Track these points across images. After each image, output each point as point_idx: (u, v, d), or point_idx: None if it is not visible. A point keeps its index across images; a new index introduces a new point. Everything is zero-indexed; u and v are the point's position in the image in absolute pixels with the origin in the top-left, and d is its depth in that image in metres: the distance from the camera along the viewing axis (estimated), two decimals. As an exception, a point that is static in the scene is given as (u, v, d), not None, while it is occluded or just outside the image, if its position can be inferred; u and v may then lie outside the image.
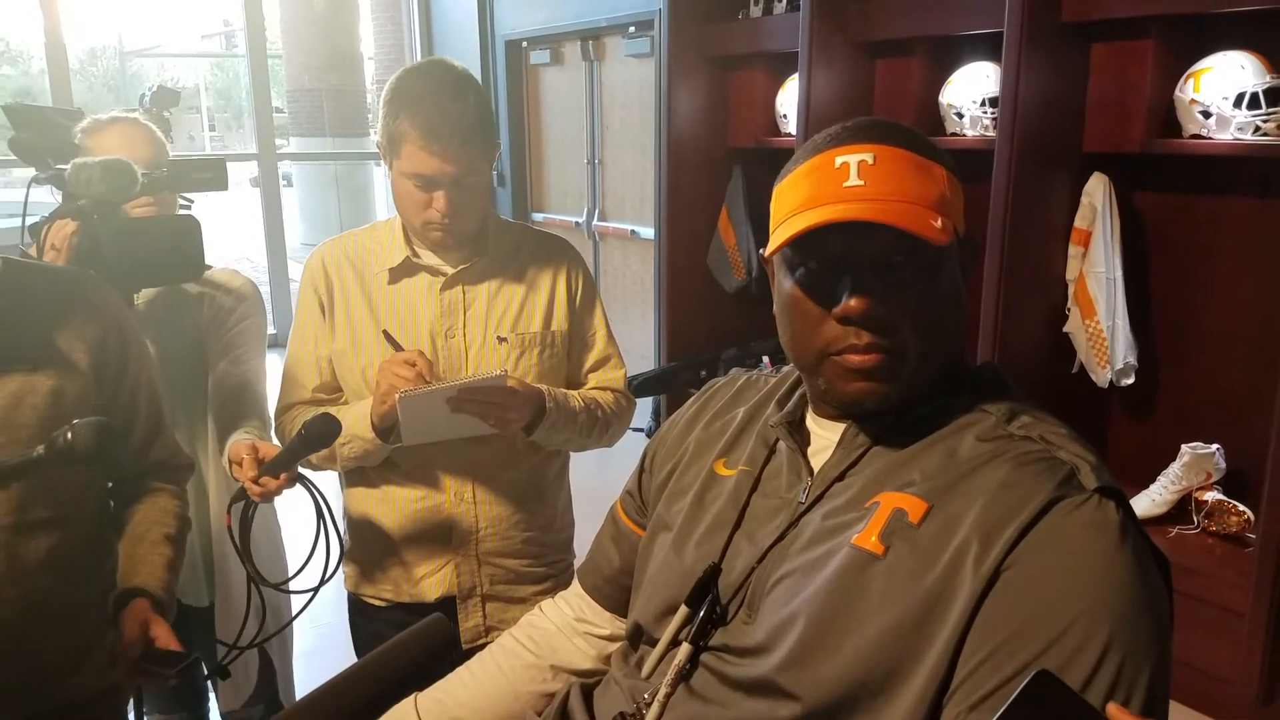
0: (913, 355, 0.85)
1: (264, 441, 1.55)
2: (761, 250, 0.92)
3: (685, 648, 0.92)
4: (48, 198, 1.67)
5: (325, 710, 1.08)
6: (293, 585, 1.60)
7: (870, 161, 0.84)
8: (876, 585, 0.80)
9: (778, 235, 0.86)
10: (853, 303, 0.83)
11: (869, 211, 0.81)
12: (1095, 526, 0.77)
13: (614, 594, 1.14)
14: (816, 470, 0.93)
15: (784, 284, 0.90)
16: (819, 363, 0.88)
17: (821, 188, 0.85)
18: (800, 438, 0.96)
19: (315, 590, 1.54)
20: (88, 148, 1.69)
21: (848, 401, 0.89)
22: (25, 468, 1.15)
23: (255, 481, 1.45)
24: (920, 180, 0.84)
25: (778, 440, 0.98)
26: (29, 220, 1.61)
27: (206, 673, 1.96)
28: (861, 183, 0.83)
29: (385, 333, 1.56)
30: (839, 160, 0.85)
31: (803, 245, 0.86)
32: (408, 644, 1.12)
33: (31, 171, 1.69)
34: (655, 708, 0.92)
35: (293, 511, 1.76)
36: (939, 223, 0.82)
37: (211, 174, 1.64)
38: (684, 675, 0.92)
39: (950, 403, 0.89)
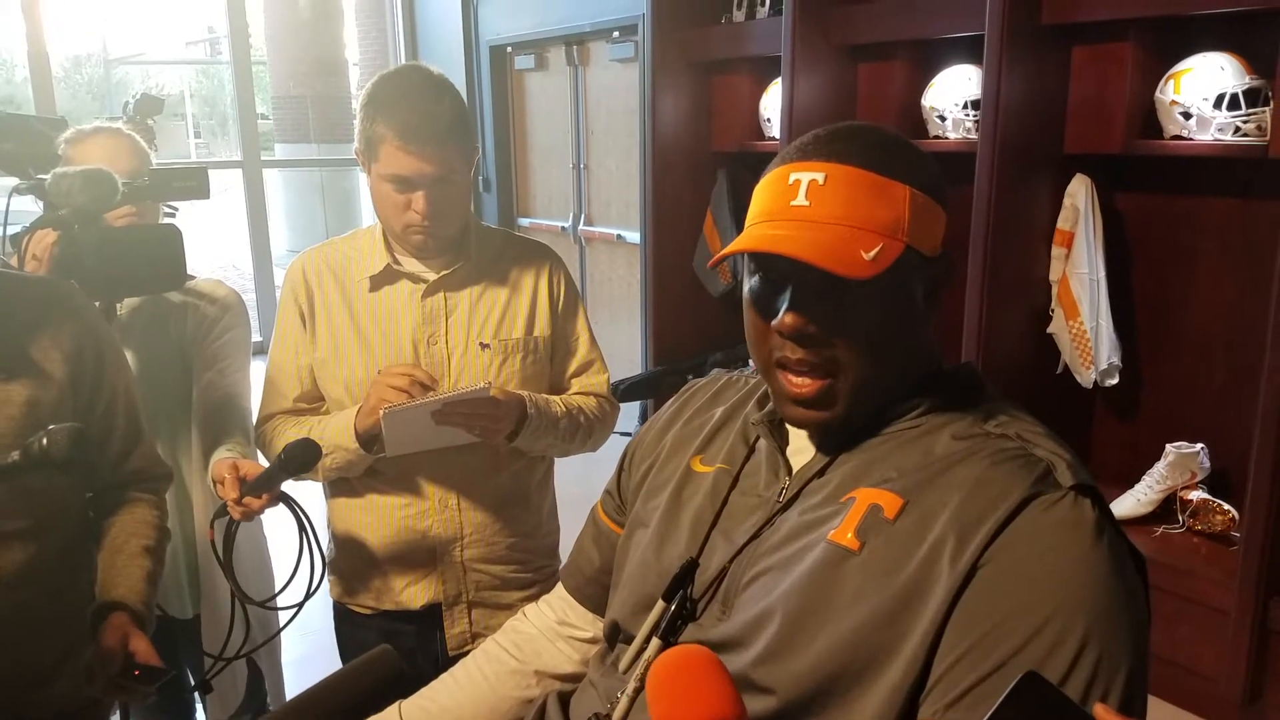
0: (850, 376, 0.86)
1: (245, 460, 1.55)
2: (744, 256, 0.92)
3: (655, 642, 0.92)
4: (30, 207, 1.66)
5: None
6: (278, 601, 1.60)
7: (820, 181, 0.84)
8: (852, 580, 0.81)
9: (724, 249, 0.88)
10: (786, 319, 0.84)
11: (787, 243, 0.82)
12: (1071, 524, 0.77)
13: (596, 594, 1.14)
14: (795, 470, 0.93)
15: (744, 292, 0.92)
16: (766, 371, 0.91)
17: (772, 203, 0.86)
18: (780, 436, 0.96)
19: (299, 607, 1.54)
20: (70, 158, 1.69)
21: (790, 422, 0.92)
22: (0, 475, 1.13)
23: (238, 502, 1.45)
24: (870, 203, 0.83)
25: (758, 438, 0.98)
26: (10, 230, 1.60)
27: (193, 685, 1.95)
28: (807, 203, 0.84)
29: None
30: (792, 177, 0.86)
31: (755, 256, 0.88)
32: (353, 676, 1.11)
33: (12, 181, 1.68)
34: (624, 702, 0.92)
35: (278, 524, 1.76)
36: (873, 252, 0.81)
37: (193, 183, 1.63)
38: None
39: (927, 401, 0.90)
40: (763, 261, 0.88)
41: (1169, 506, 2.75)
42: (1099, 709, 0.64)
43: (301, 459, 1.43)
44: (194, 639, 1.86)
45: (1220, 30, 2.55)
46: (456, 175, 1.51)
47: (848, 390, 0.86)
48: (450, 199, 1.52)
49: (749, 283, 0.90)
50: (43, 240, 1.51)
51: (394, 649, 1.10)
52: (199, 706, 2.10)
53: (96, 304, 1.48)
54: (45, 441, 1.10)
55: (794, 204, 0.84)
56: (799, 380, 0.86)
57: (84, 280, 1.47)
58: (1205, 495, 2.69)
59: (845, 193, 0.83)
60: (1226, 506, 2.65)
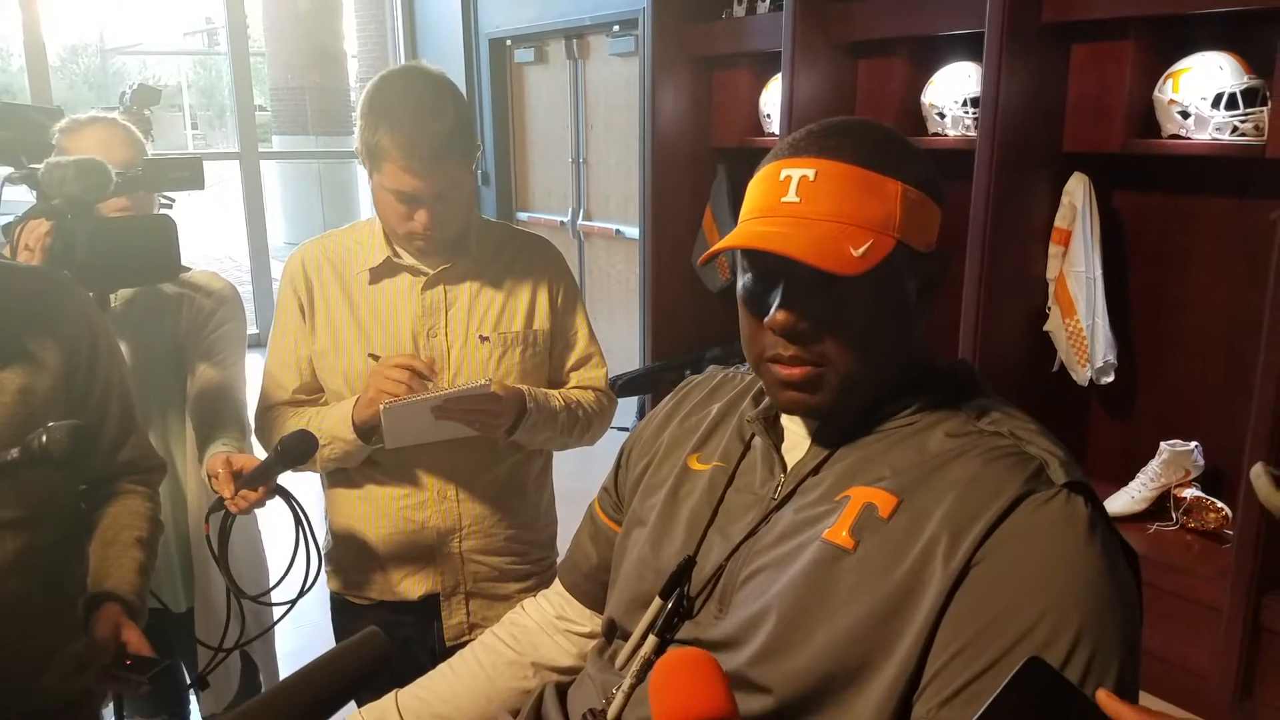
0: (840, 369, 0.86)
1: (239, 454, 1.55)
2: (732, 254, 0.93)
3: (651, 640, 0.92)
4: (24, 196, 1.66)
5: None
6: (273, 595, 1.59)
7: (811, 178, 0.84)
8: (847, 579, 0.81)
9: (714, 246, 0.89)
10: (778, 316, 0.85)
11: (777, 240, 0.82)
12: (1064, 521, 0.78)
13: (593, 591, 1.14)
14: (790, 467, 0.93)
15: (738, 289, 0.92)
16: (758, 366, 0.91)
17: (763, 200, 0.87)
18: (775, 433, 0.97)
19: (293, 603, 1.54)
20: (65, 148, 1.68)
21: (782, 408, 0.92)
22: None
23: (234, 495, 1.45)
24: (860, 199, 0.83)
25: (753, 436, 0.98)
26: (2, 220, 1.60)
27: (189, 681, 1.95)
28: (797, 200, 0.84)
29: (372, 356, 1.55)
30: (784, 173, 0.86)
31: (748, 254, 0.89)
32: (343, 657, 1.11)
33: (6, 170, 1.67)
34: (619, 698, 0.92)
35: (273, 517, 1.76)
36: (861, 249, 0.81)
37: (188, 173, 1.62)
38: (649, 666, 0.92)
39: (920, 400, 0.90)
40: (755, 259, 0.88)
41: (1163, 504, 2.75)
42: (1101, 694, 0.64)
43: (298, 451, 1.43)
44: (188, 632, 1.85)
45: (1219, 30, 2.55)
46: (459, 188, 1.51)
47: (836, 381, 0.86)
48: (453, 209, 1.53)
49: (742, 280, 0.91)
50: (35, 230, 1.51)
51: (385, 634, 1.11)
52: (192, 699, 2.10)
53: (91, 294, 1.48)
54: (45, 439, 1.09)
55: (784, 200, 0.85)
56: (786, 371, 0.87)
57: (77, 270, 1.46)
58: (1199, 493, 2.70)
59: (835, 189, 0.84)
60: (1220, 504, 2.66)
